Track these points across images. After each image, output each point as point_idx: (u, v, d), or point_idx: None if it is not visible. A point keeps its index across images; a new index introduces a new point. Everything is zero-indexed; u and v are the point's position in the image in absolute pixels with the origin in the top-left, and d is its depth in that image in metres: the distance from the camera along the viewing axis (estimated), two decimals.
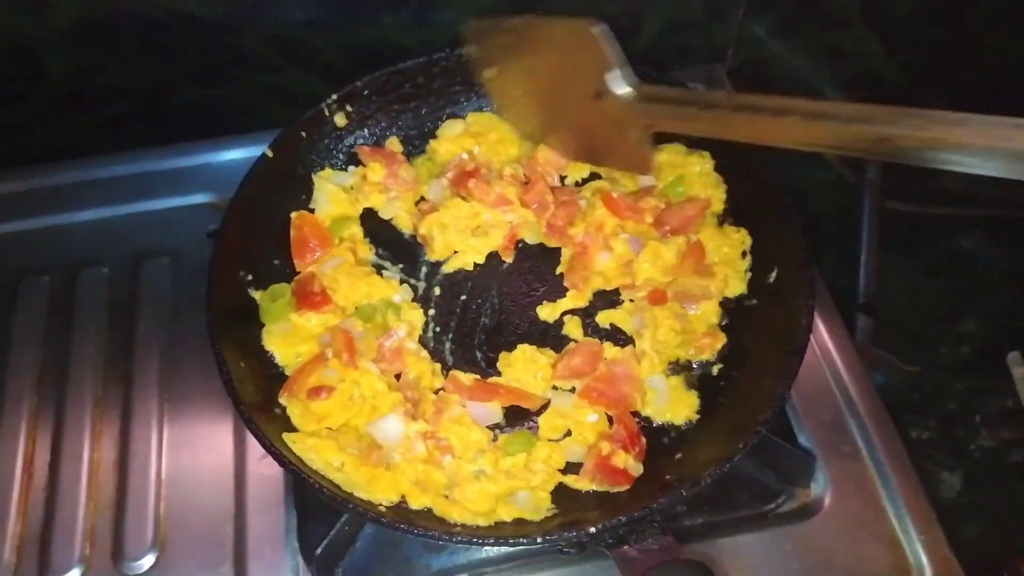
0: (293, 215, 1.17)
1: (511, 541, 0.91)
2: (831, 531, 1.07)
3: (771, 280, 1.12)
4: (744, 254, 1.16)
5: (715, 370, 1.10)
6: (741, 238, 1.17)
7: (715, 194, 1.20)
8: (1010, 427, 1.54)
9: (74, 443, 1.17)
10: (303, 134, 1.20)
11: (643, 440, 1.03)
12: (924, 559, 1.05)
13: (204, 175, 1.43)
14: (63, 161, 1.45)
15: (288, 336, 1.09)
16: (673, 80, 1.26)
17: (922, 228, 1.82)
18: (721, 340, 1.11)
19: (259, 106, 1.55)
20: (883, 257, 1.76)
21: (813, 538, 1.07)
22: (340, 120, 1.24)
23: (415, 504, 0.98)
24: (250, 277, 1.13)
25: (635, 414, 1.07)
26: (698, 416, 1.07)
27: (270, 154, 1.16)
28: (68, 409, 1.20)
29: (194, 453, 1.16)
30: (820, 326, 1.24)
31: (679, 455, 1.03)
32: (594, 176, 1.28)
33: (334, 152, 1.26)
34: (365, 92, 1.23)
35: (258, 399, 1.01)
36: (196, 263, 1.30)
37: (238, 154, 1.45)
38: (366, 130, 1.27)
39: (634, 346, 1.11)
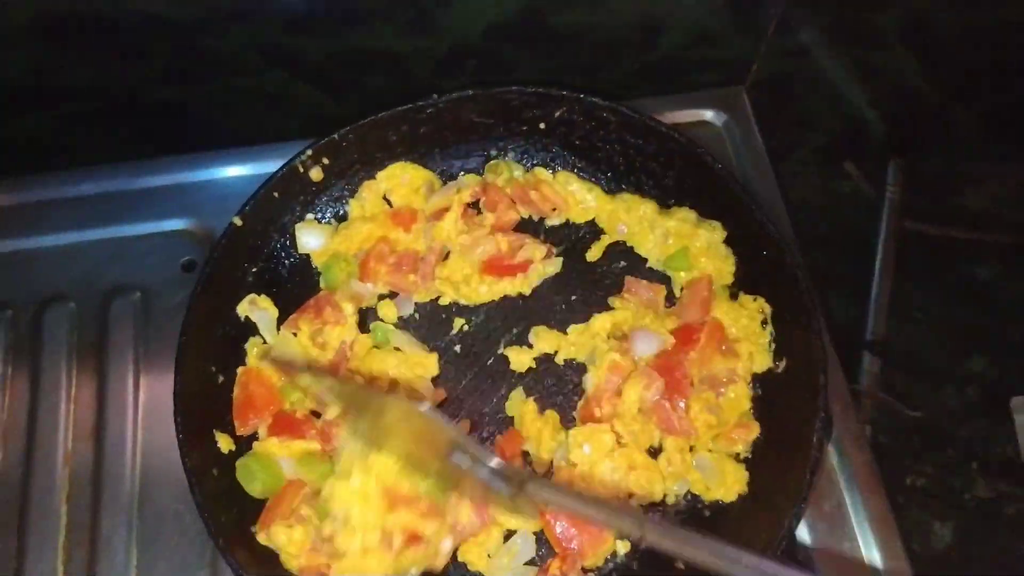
0: (239, 371, 1.06)
1: None
2: None
3: (780, 371, 1.06)
4: (764, 323, 1.09)
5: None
6: (759, 307, 1.09)
7: (724, 266, 1.12)
8: (1007, 478, 1.51)
9: (45, 495, 1.13)
10: (275, 194, 1.10)
11: None
12: None
13: (177, 197, 1.32)
14: (26, 176, 1.34)
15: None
16: None
17: (941, 251, 1.75)
18: (755, 431, 1.05)
19: (238, 107, 1.44)
20: (895, 284, 1.69)
21: None
22: (316, 175, 1.13)
23: None
24: (221, 377, 1.05)
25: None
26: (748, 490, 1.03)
27: (239, 223, 1.06)
28: (35, 469, 1.15)
29: (170, 501, 1.11)
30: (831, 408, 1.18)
31: (680, 564, 0.99)
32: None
33: (311, 208, 1.17)
34: (343, 144, 1.12)
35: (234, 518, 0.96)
36: (170, 300, 1.23)
37: (215, 174, 1.35)
38: (344, 182, 1.16)
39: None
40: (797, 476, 0.91)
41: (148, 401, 1.18)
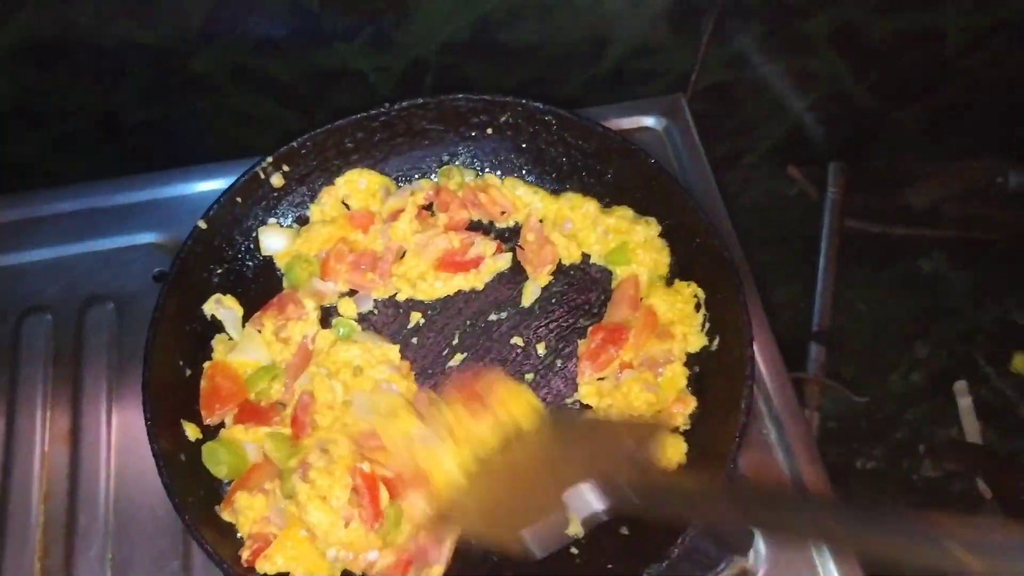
0: (206, 365, 1.12)
1: None
2: None
3: (713, 348, 1.13)
4: (698, 307, 1.16)
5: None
6: (692, 291, 1.17)
7: (660, 258, 1.19)
8: (953, 458, 1.59)
9: (22, 495, 1.18)
10: (238, 200, 1.16)
11: None
12: None
13: (151, 212, 1.39)
14: (6, 196, 1.41)
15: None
16: None
17: (883, 247, 1.83)
18: (691, 404, 1.12)
19: (215, 126, 1.51)
20: (841, 276, 1.77)
21: None
22: (277, 181, 1.20)
23: None
24: (188, 371, 1.11)
25: None
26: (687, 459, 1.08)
27: (203, 226, 1.12)
28: (13, 469, 1.19)
29: (143, 496, 1.16)
30: (768, 387, 1.25)
31: (623, 530, 1.05)
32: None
33: (273, 212, 1.23)
34: (302, 151, 1.19)
35: (200, 500, 1.02)
36: (142, 309, 1.29)
37: (186, 189, 1.41)
38: (305, 188, 1.23)
39: None
40: (728, 439, 0.98)
41: (122, 404, 1.23)
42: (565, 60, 1.50)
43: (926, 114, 1.82)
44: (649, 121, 1.48)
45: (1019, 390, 1.63)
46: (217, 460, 1.06)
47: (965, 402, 1.62)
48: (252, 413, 1.08)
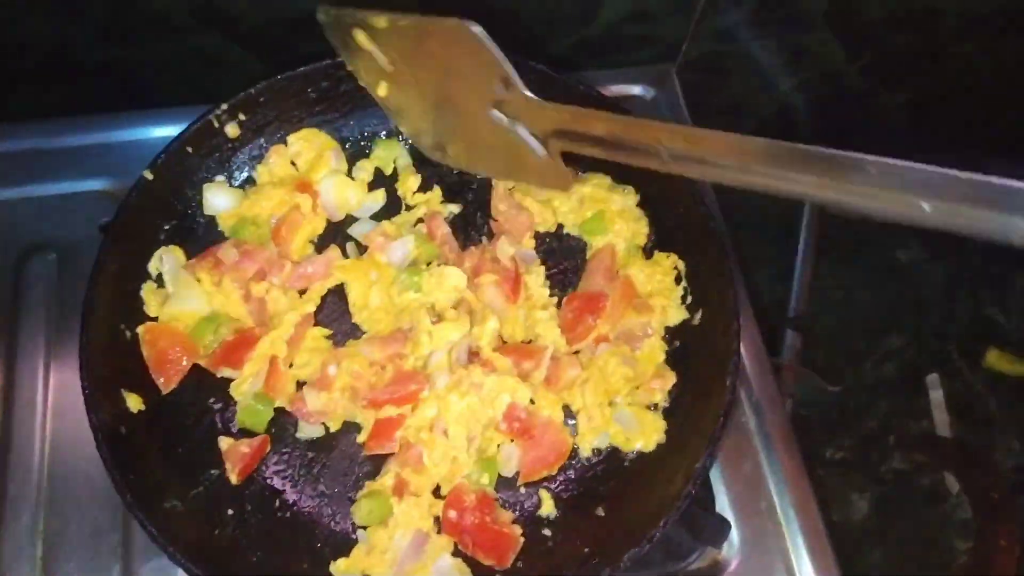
0: (140, 330, 1.02)
1: None
2: None
3: (696, 322, 1.08)
4: (679, 279, 1.11)
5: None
6: (672, 263, 1.11)
7: (638, 228, 1.14)
8: (922, 450, 1.57)
9: None
10: (189, 149, 1.07)
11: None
12: None
13: (101, 157, 1.29)
14: None
15: None
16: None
17: (860, 236, 1.80)
18: (671, 379, 1.06)
19: (176, 69, 1.41)
20: (819, 263, 1.74)
21: None
22: (232, 131, 1.11)
23: None
24: (130, 335, 1.03)
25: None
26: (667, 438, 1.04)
27: (150, 176, 1.03)
28: None
29: (81, 464, 1.08)
30: (749, 372, 1.21)
31: (600, 511, 1.01)
32: None
33: (227, 166, 1.14)
34: (261, 99, 1.10)
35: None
36: (86, 262, 1.18)
37: (141, 134, 1.32)
38: (263, 139, 1.14)
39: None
40: (712, 418, 0.93)
41: (60, 363, 1.15)
42: (555, 20, 1.43)
43: (915, 100, 1.79)
44: (637, 90, 1.43)
45: (990, 386, 1.62)
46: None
47: (936, 395, 1.60)
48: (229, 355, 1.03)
